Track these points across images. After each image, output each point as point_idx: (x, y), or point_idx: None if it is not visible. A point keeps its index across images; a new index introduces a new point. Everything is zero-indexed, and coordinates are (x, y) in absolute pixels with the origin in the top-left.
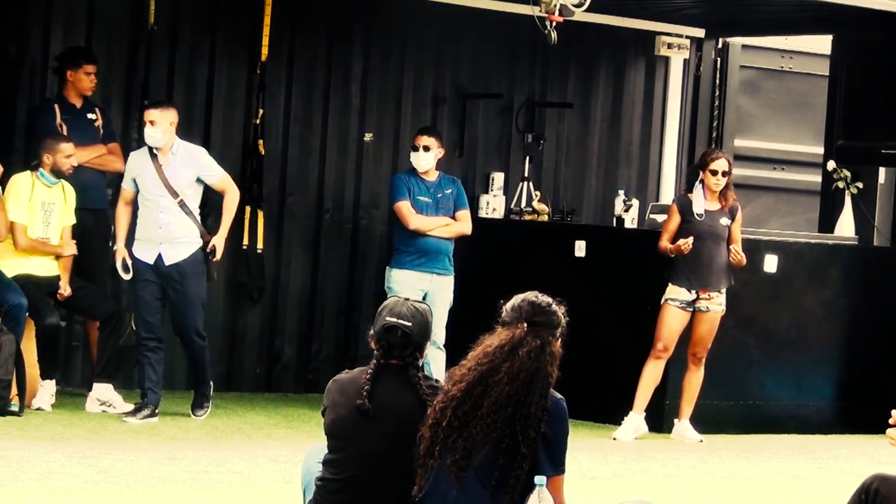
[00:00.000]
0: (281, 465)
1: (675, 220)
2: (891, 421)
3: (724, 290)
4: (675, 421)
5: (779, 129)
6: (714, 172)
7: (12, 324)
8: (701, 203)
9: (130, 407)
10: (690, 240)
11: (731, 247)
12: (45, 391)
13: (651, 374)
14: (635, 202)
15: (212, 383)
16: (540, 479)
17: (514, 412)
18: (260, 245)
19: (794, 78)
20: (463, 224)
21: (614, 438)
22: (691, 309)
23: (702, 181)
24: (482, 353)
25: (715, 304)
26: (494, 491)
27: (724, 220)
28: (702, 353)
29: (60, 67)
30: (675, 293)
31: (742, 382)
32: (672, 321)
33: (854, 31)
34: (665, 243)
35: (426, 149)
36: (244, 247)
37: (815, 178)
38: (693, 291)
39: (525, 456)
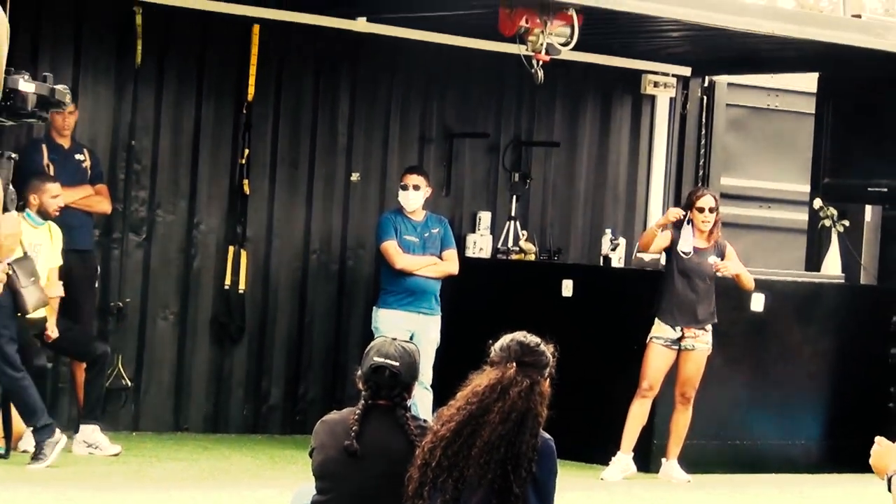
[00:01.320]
0: None
1: (666, 241)
2: (873, 449)
3: (709, 328)
4: (663, 461)
5: (765, 168)
6: (701, 210)
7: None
8: (689, 241)
9: (117, 448)
10: (679, 211)
11: (717, 263)
12: (31, 434)
13: (637, 414)
14: (622, 241)
15: (46, 426)
16: None
17: (506, 452)
18: (242, 285)
19: (781, 116)
20: (450, 264)
21: (602, 479)
22: (677, 347)
23: (690, 220)
24: (471, 393)
25: (701, 342)
26: None
27: (712, 259)
28: (690, 393)
29: None
30: (661, 331)
31: (729, 422)
32: (657, 360)
33: (840, 70)
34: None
35: (415, 188)
36: (226, 287)
37: (802, 216)
38: (678, 329)
39: (517, 497)
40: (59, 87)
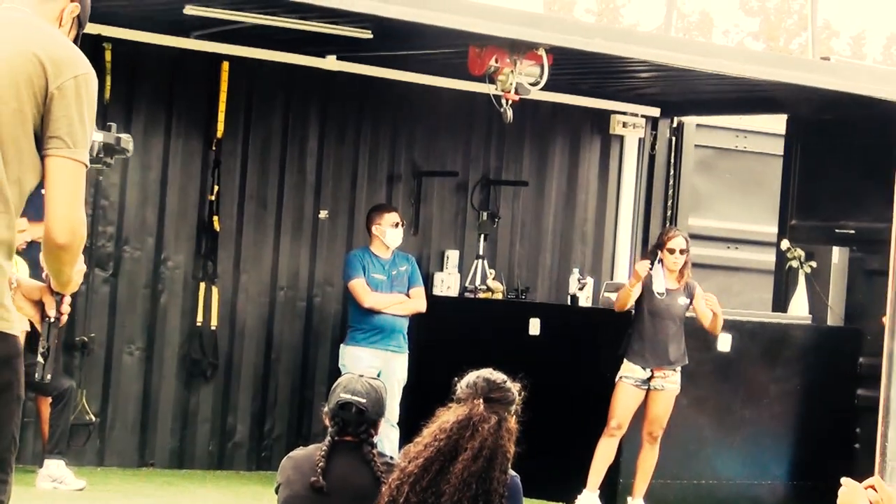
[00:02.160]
0: None
1: (637, 290)
2: (840, 491)
3: (678, 369)
4: (629, 499)
5: (733, 208)
6: (672, 251)
7: None
8: (661, 282)
9: (82, 483)
10: (646, 264)
11: (704, 297)
12: None
13: (605, 452)
14: (590, 280)
15: None
16: None
17: (478, 489)
18: (214, 322)
19: (749, 157)
20: (417, 301)
21: None
22: (646, 387)
23: (661, 260)
24: (438, 430)
25: (670, 382)
26: None
27: (682, 300)
28: (657, 432)
29: None
30: (630, 371)
31: (695, 461)
32: (626, 399)
33: (808, 112)
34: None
35: (398, 225)
36: (198, 324)
37: (770, 257)
38: (648, 369)
39: None
40: (123, 136)
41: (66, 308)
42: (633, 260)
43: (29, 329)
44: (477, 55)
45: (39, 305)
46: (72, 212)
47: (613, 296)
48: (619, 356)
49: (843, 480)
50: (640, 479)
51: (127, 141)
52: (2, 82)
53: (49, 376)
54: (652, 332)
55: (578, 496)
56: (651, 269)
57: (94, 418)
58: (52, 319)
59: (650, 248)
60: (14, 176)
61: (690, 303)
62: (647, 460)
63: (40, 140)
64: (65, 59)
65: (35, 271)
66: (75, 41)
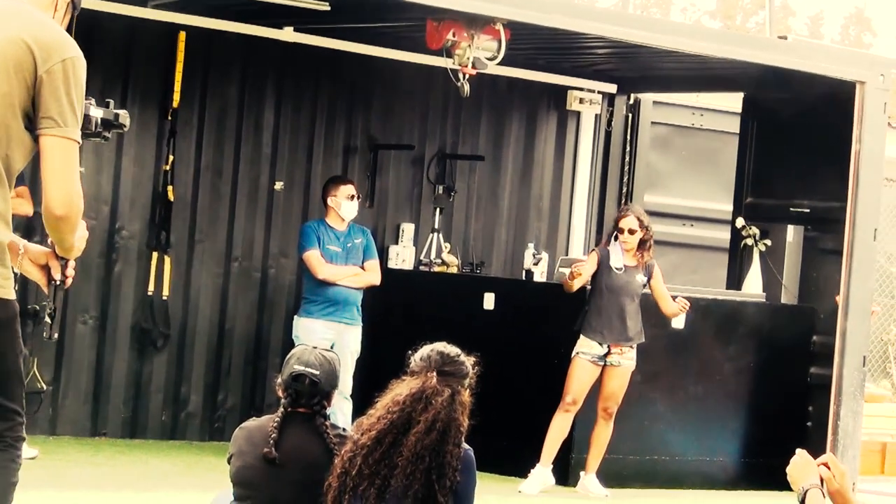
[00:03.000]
0: None
1: (592, 267)
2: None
3: (635, 346)
4: (582, 474)
5: (688, 186)
6: (621, 231)
7: None
8: (619, 258)
9: (34, 452)
10: (583, 270)
11: (679, 300)
12: None
13: (559, 428)
14: (545, 255)
15: None
16: None
17: (431, 462)
18: (166, 292)
19: (705, 135)
20: (372, 274)
21: (520, 491)
22: (602, 363)
23: (616, 237)
24: (392, 402)
25: (626, 358)
26: None
27: (640, 278)
28: (612, 408)
29: None
30: (587, 346)
31: (647, 437)
32: (582, 375)
33: (764, 90)
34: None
35: (354, 198)
36: (149, 293)
37: (724, 234)
38: (605, 345)
39: None
40: (121, 112)
41: (70, 272)
42: (588, 236)
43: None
44: (434, 29)
45: (46, 269)
46: (67, 185)
47: (567, 271)
48: (575, 331)
49: (798, 451)
50: (594, 454)
51: (124, 116)
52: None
53: (56, 335)
54: (609, 308)
55: (531, 471)
56: (610, 237)
57: (45, 387)
58: (58, 282)
59: (613, 224)
60: (2, 153)
61: (649, 280)
62: (601, 436)
63: (32, 121)
64: (53, 43)
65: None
66: (70, 25)
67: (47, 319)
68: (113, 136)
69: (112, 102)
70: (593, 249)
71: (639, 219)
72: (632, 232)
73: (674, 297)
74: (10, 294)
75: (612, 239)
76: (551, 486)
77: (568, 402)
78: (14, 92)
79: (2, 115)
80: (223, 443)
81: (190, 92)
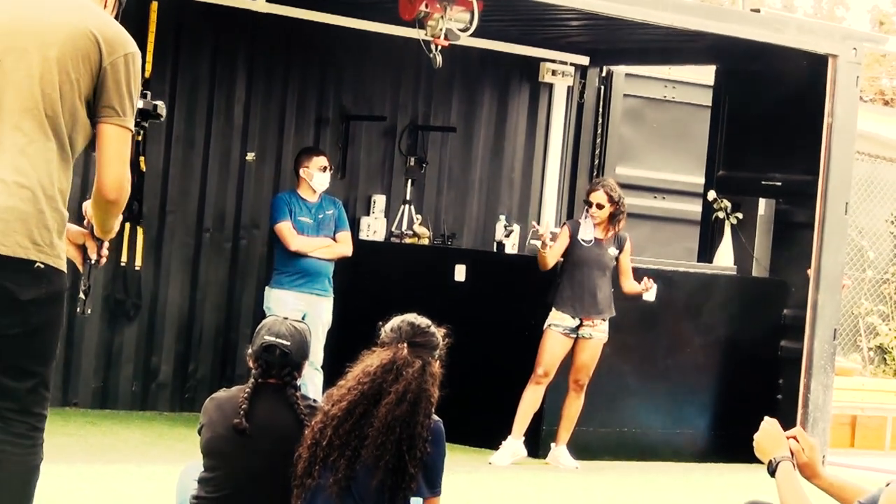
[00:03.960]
0: (156, 483)
1: (564, 241)
2: (761, 427)
3: (607, 319)
4: (552, 445)
5: (660, 159)
6: (589, 204)
7: None
8: (589, 231)
9: None
10: (554, 244)
11: (644, 281)
12: None
13: (530, 400)
14: (516, 228)
15: None
16: (416, 501)
17: (402, 433)
18: (138, 262)
19: (677, 107)
20: (343, 246)
21: (490, 462)
22: (574, 335)
23: (587, 209)
24: (362, 373)
25: (598, 331)
26: None
27: (612, 251)
28: (584, 381)
29: None
30: (559, 319)
31: (618, 410)
32: (554, 347)
33: (737, 63)
34: (547, 254)
35: (325, 169)
36: (122, 264)
37: (696, 207)
38: (577, 318)
39: (412, 476)
40: (158, 102)
41: (105, 252)
42: (560, 208)
43: None
44: (407, 0)
45: (82, 249)
46: (120, 171)
47: (539, 243)
48: (547, 304)
49: (767, 420)
50: (565, 426)
51: (161, 107)
52: (68, 56)
53: (89, 310)
54: (580, 281)
55: (503, 442)
56: (581, 218)
57: None
58: (93, 261)
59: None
60: (68, 135)
61: (620, 253)
62: (572, 408)
63: (92, 108)
64: (116, 38)
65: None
66: (117, 18)
67: (81, 296)
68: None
69: (149, 94)
70: (565, 223)
71: (608, 193)
72: (600, 206)
73: (645, 275)
74: (65, 268)
75: (585, 212)
76: (523, 458)
77: (539, 374)
78: (82, 80)
79: (71, 99)
80: (194, 413)
81: (161, 63)
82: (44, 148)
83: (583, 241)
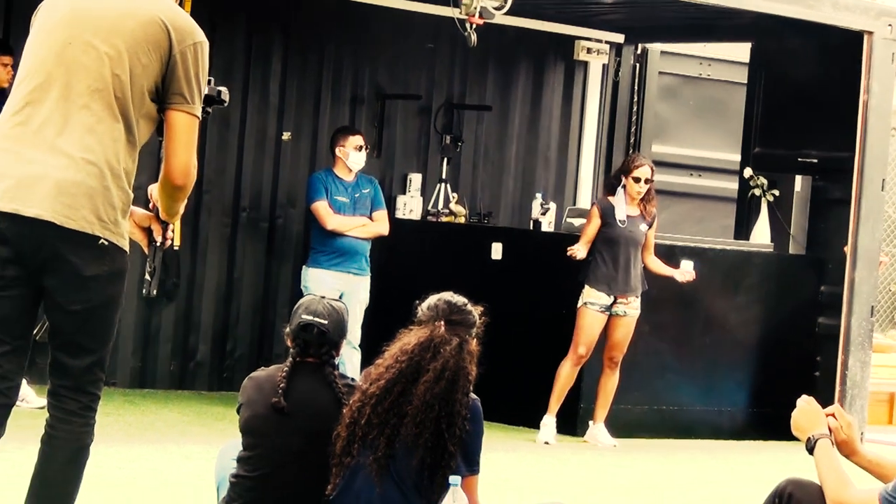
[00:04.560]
0: (195, 462)
1: (596, 223)
2: (798, 405)
3: (639, 295)
4: (590, 423)
5: (696, 136)
6: (637, 180)
7: None
8: (623, 209)
9: (44, 402)
10: (578, 250)
11: (681, 273)
12: None
13: (567, 377)
14: (552, 206)
15: None
16: (454, 479)
17: (441, 411)
18: (177, 242)
19: (713, 85)
20: (380, 224)
21: (546, 443)
22: (608, 312)
23: (624, 186)
24: (400, 352)
25: (632, 308)
26: (411, 489)
27: (643, 227)
28: (618, 358)
29: None
30: (594, 297)
31: (656, 388)
32: (592, 325)
33: (772, 39)
34: (576, 248)
35: (361, 148)
36: (158, 243)
37: (732, 185)
38: (611, 296)
39: (452, 455)
40: (222, 88)
41: (170, 234)
42: (596, 186)
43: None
44: None
45: (147, 231)
46: (188, 158)
47: (576, 221)
48: (579, 282)
49: (804, 398)
50: (602, 404)
51: (225, 93)
52: (139, 42)
53: (154, 292)
54: (614, 259)
55: (544, 420)
56: (613, 197)
57: None
58: (158, 244)
59: (613, 173)
60: (137, 119)
61: (649, 229)
62: (608, 385)
63: (161, 95)
64: (186, 27)
65: None
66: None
67: (147, 277)
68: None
69: (213, 80)
70: (593, 204)
71: (651, 167)
72: (647, 181)
73: (683, 259)
74: (128, 247)
75: (621, 188)
76: (558, 436)
77: (580, 353)
78: (152, 66)
79: (140, 84)
80: (232, 393)
81: None
82: (111, 128)
83: (619, 220)
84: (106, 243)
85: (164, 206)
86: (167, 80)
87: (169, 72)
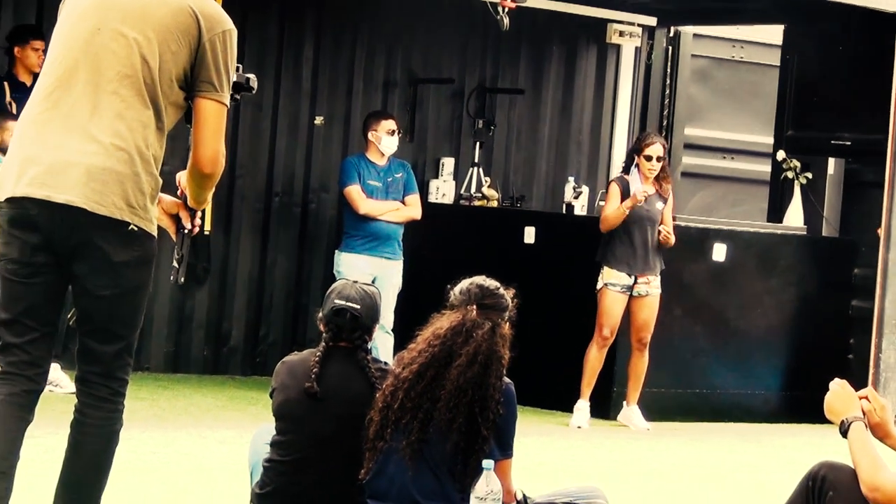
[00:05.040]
0: (228, 447)
1: (616, 200)
2: (832, 388)
3: (658, 274)
4: (624, 404)
5: (729, 119)
6: (648, 158)
7: None
8: (639, 188)
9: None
10: (641, 193)
11: (660, 227)
12: None
13: (596, 360)
14: (585, 189)
15: None
16: (488, 464)
17: (474, 395)
18: (207, 227)
19: (746, 67)
20: (412, 209)
21: (579, 427)
22: (629, 293)
23: (637, 165)
24: (433, 336)
25: (654, 287)
26: (444, 474)
27: (659, 205)
28: (647, 338)
29: (9, 46)
30: (615, 277)
31: (689, 371)
32: (614, 306)
33: (805, 22)
34: (610, 213)
35: (394, 133)
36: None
37: (765, 167)
38: (632, 276)
39: (485, 439)
40: (250, 75)
41: (198, 221)
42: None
43: None
44: None
45: (175, 218)
46: (216, 146)
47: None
48: (597, 263)
49: (837, 381)
50: (634, 385)
51: (254, 80)
52: (168, 30)
53: (182, 279)
54: (633, 238)
55: (577, 405)
56: (628, 176)
57: None
58: (187, 231)
59: (627, 152)
60: (165, 105)
61: (665, 207)
62: (639, 366)
63: (189, 82)
64: (215, 15)
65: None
66: None
67: (175, 265)
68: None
69: (241, 67)
70: (612, 181)
71: (663, 145)
72: (659, 159)
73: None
74: (156, 233)
75: (634, 167)
76: (591, 420)
77: (605, 335)
78: (181, 53)
79: (169, 71)
80: (265, 377)
81: None
82: (141, 114)
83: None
84: (136, 229)
85: (193, 193)
86: (196, 67)
87: (198, 60)
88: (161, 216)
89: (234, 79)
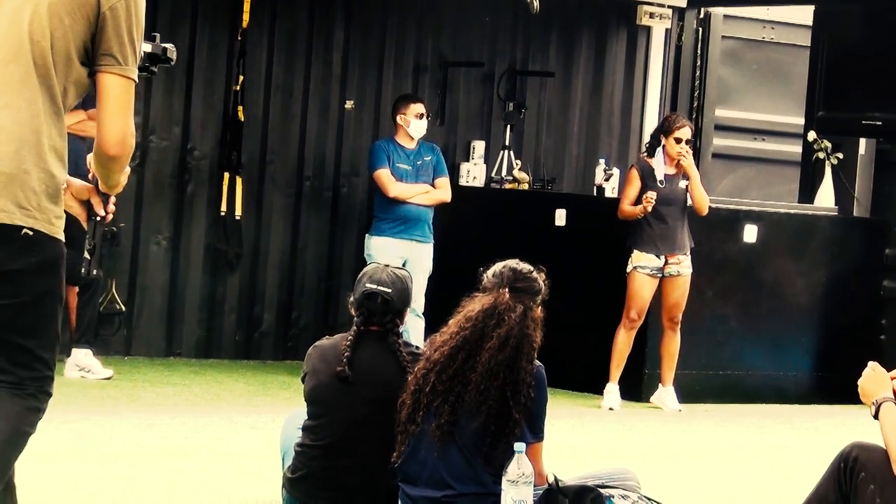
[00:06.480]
0: (260, 432)
1: (636, 185)
2: (865, 372)
3: (688, 253)
4: (659, 385)
5: (760, 100)
6: (678, 140)
7: None
8: (662, 169)
9: (110, 372)
10: (652, 195)
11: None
12: None
13: (625, 343)
14: (616, 171)
15: None
16: (519, 446)
17: (505, 378)
18: (238, 212)
19: (776, 48)
20: (443, 192)
21: (611, 409)
22: (660, 274)
23: (663, 146)
24: (464, 319)
25: (685, 267)
26: (475, 456)
27: (683, 184)
28: (678, 317)
29: None
30: (644, 260)
31: (720, 352)
32: (643, 289)
33: (836, 2)
34: (627, 207)
35: (423, 116)
36: (222, 213)
37: (796, 148)
38: (661, 257)
39: (517, 422)
40: (168, 45)
41: (111, 207)
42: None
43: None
44: None
45: (87, 205)
46: (122, 125)
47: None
48: (627, 247)
49: (871, 364)
50: (668, 365)
51: (171, 51)
52: (58, 2)
53: (95, 272)
54: (660, 220)
55: (608, 388)
56: (652, 158)
57: (123, 308)
58: (99, 218)
59: (652, 133)
60: (62, 86)
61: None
62: (671, 346)
63: (90, 57)
64: None
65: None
66: None
67: (87, 255)
68: (182, 55)
69: (158, 36)
70: (632, 166)
71: (691, 127)
72: (688, 141)
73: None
74: (60, 234)
75: (660, 149)
76: (622, 402)
77: (633, 317)
78: (77, 26)
79: (65, 48)
80: (297, 362)
81: (260, 11)
82: (30, 101)
83: (659, 182)
84: (30, 233)
85: (102, 177)
86: (96, 40)
87: (98, 31)
88: (70, 202)
89: (149, 49)
